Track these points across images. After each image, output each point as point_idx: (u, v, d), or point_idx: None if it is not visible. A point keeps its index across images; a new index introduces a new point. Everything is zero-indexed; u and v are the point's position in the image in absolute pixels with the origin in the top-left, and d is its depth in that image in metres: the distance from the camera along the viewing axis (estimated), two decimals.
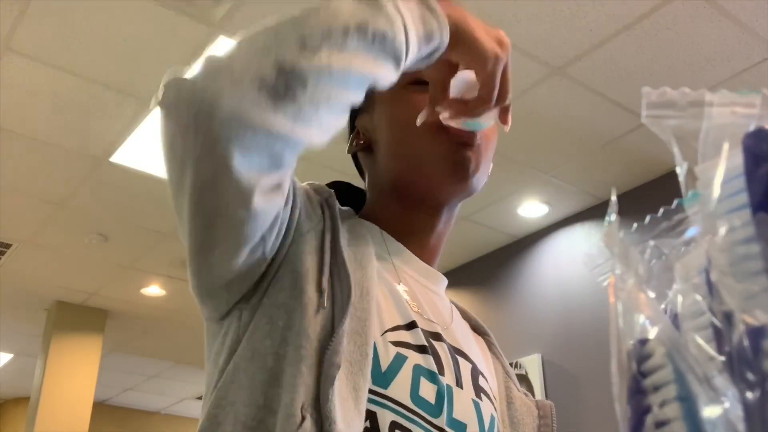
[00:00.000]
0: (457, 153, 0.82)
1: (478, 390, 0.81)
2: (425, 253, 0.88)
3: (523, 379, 3.98)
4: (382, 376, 0.70)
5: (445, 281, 0.91)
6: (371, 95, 0.86)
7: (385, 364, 0.71)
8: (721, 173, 0.38)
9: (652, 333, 0.38)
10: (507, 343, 4.19)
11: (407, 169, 0.84)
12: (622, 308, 0.40)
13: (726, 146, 0.38)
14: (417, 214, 0.86)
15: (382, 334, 0.73)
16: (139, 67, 2.87)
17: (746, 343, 0.34)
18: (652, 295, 0.40)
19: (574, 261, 3.94)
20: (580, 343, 3.74)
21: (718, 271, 0.37)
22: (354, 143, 0.91)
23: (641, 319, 0.39)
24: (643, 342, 0.39)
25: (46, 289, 5.09)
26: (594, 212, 3.94)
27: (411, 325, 0.77)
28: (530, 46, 2.76)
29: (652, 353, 0.38)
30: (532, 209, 4.00)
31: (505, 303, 4.31)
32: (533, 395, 1.06)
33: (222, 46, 2.75)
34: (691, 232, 0.41)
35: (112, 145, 3.38)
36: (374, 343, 0.71)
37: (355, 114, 0.91)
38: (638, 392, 0.38)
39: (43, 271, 4.79)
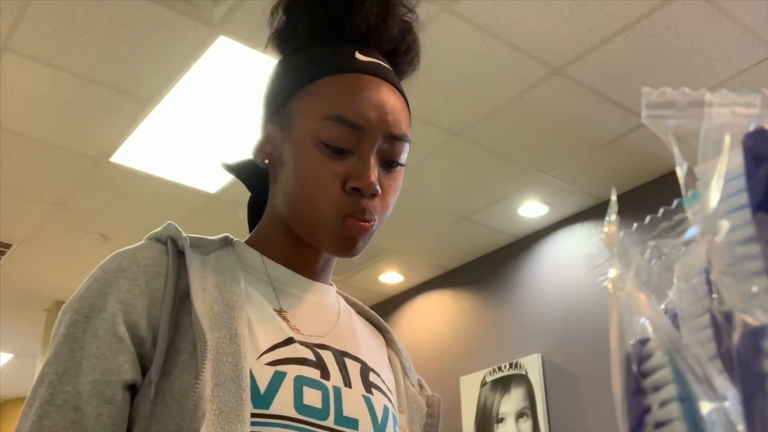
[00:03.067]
0: (348, 242, 0.81)
1: (369, 385, 0.83)
2: (314, 272, 0.88)
3: (523, 379, 3.98)
4: (262, 398, 0.72)
5: (332, 289, 0.92)
6: (290, 116, 0.83)
7: (263, 386, 0.73)
8: (721, 173, 0.38)
9: (652, 333, 0.38)
10: (507, 343, 4.21)
11: (299, 225, 0.83)
12: (622, 308, 0.40)
13: (726, 146, 0.39)
14: (305, 248, 0.86)
15: (258, 358, 0.74)
16: (139, 67, 2.87)
17: (746, 343, 0.34)
18: (652, 295, 0.41)
19: (574, 261, 3.94)
20: (580, 343, 3.74)
21: (718, 271, 0.37)
22: (259, 155, 0.87)
23: (641, 319, 0.39)
24: (643, 342, 0.39)
25: (46, 289, 5.09)
26: (594, 212, 3.94)
27: (288, 341, 0.78)
28: (530, 46, 2.76)
29: (652, 353, 0.38)
30: (532, 209, 4.00)
31: (505, 303, 4.31)
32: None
33: (222, 46, 2.75)
34: (691, 232, 0.41)
35: (112, 145, 3.38)
36: (251, 373, 0.72)
37: (271, 107, 0.87)
38: (638, 392, 0.38)
39: (43, 271, 4.79)
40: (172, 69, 2.89)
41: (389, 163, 0.83)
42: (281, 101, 0.85)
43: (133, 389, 0.72)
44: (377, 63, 0.85)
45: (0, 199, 3.84)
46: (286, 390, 0.74)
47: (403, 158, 0.84)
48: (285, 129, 0.84)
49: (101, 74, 2.92)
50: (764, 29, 2.64)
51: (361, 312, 0.98)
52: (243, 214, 0.98)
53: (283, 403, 0.73)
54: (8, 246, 4.41)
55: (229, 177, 3.61)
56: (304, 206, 0.81)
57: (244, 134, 3.29)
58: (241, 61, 2.84)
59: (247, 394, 0.70)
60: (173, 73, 2.91)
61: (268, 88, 0.89)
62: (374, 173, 0.80)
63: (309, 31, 0.86)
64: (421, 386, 0.95)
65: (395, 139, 0.82)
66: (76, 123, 3.23)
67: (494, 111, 3.17)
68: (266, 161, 0.86)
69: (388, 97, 0.83)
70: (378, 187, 0.80)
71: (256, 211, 0.96)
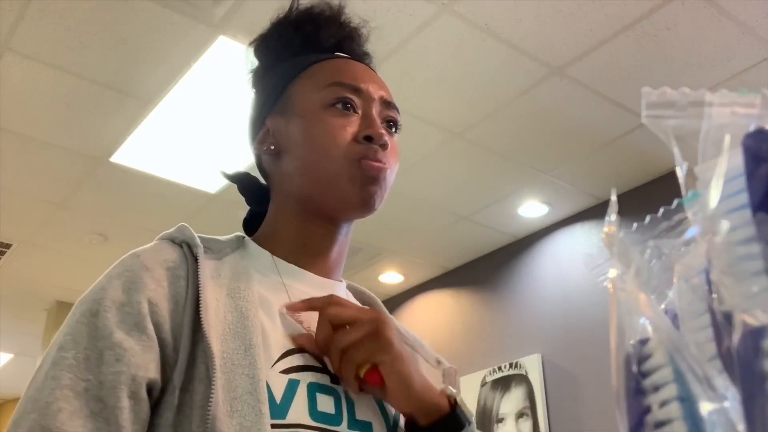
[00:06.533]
0: (367, 188, 0.85)
1: None
2: (325, 268, 0.90)
3: (523, 379, 3.98)
4: (278, 408, 0.73)
5: (342, 285, 0.94)
6: (289, 99, 0.91)
7: (278, 395, 0.74)
8: (721, 173, 0.38)
9: (652, 333, 0.39)
10: (507, 343, 4.21)
11: (317, 190, 0.86)
12: (622, 308, 0.40)
13: (726, 146, 0.39)
14: (318, 228, 0.89)
15: (273, 366, 0.75)
16: (139, 67, 2.87)
17: (746, 343, 0.34)
18: (652, 295, 0.41)
19: (574, 261, 3.94)
20: (580, 343, 3.74)
21: (718, 271, 0.37)
22: (263, 146, 0.92)
23: (641, 319, 0.39)
24: (643, 342, 0.39)
25: (46, 289, 5.09)
26: (594, 212, 3.94)
27: (301, 348, 0.79)
28: (530, 46, 2.76)
29: (652, 353, 0.38)
30: (532, 209, 4.00)
31: (505, 303, 4.31)
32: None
33: (222, 46, 2.75)
34: (691, 232, 0.41)
35: (112, 145, 3.38)
36: (267, 386, 0.72)
37: (265, 108, 0.94)
38: (638, 392, 0.38)
39: (43, 271, 4.79)
40: (172, 69, 2.89)
41: (388, 125, 0.91)
42: (278, 93, 0.93)
43: (151, 392, 0.71)
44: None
45: (0, 199, 3.84)
46: (300, 398, 0.75)
47: (398, 126, 0.92)
48: (286, 112, 0.91)
49: (101, 74, 2.92)
50: (764, 29, 2.64)
51: (368, 304, 0.99)
52: (242, 213, 0.99)
53: (298, 411, 0.74)
54: (8, 246, 4.41)
55: None
56: (320, 164, 0.85)
57: (244, 134, 3.29)
58: (241, 61, 2.84)
59: (266, 408, 0.70)
60: (173, 73, 2.91)
61: (259, 93, 0.98)
62: (381, 126, 0.88)
63: (288, 49, 0.96)
64: (439, 362, 0.96)
65: (389, 105, 0.91)
66: (76, 123, 3.22)
67: (494, 111, 3.17)
68: (272, 147, 0.91)
69: (374, 74, 0.94)
70: (387, 138, 0.86)
71: (253, 224, 0.97)
